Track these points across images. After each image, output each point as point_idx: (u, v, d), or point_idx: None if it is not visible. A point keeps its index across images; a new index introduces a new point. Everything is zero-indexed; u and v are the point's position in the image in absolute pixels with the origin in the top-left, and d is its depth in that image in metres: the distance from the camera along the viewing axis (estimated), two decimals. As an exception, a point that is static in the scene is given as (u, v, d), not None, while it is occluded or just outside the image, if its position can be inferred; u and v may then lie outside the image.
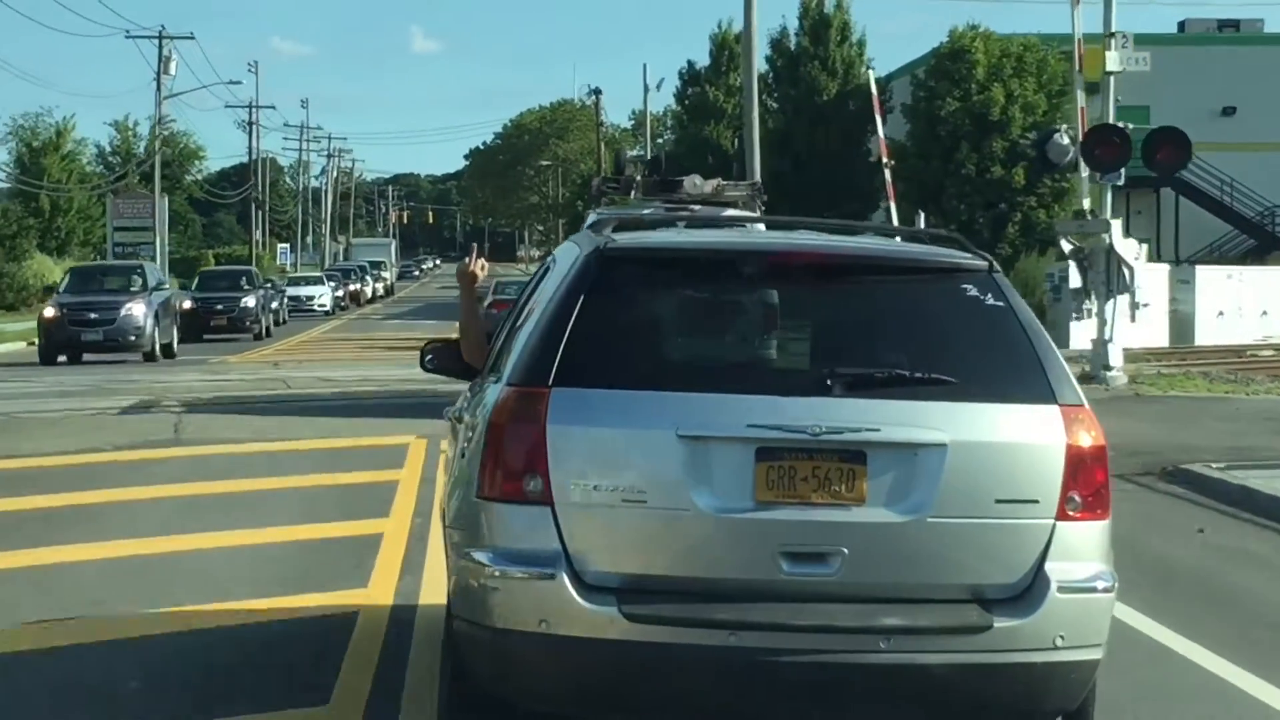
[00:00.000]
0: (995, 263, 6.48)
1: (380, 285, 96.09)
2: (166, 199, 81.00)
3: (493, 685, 6.01)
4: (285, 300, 63.37)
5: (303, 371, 32.24)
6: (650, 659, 5.73)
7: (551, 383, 5.92)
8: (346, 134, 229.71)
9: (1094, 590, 5.99)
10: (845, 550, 5.82)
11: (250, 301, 50.34)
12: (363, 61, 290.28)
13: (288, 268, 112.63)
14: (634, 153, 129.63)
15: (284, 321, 58.98)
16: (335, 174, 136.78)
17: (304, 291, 72.45)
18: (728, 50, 79.92)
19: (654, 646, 5.72)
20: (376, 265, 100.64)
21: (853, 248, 6.85)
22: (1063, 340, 36.45)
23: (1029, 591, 5.89)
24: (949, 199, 49.80)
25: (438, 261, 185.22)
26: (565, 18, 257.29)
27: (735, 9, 69.41)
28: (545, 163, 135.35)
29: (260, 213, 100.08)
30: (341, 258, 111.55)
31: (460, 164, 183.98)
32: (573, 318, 6.04)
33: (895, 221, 36.83)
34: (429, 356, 8.06)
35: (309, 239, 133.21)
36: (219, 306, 50.20)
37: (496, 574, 5.85)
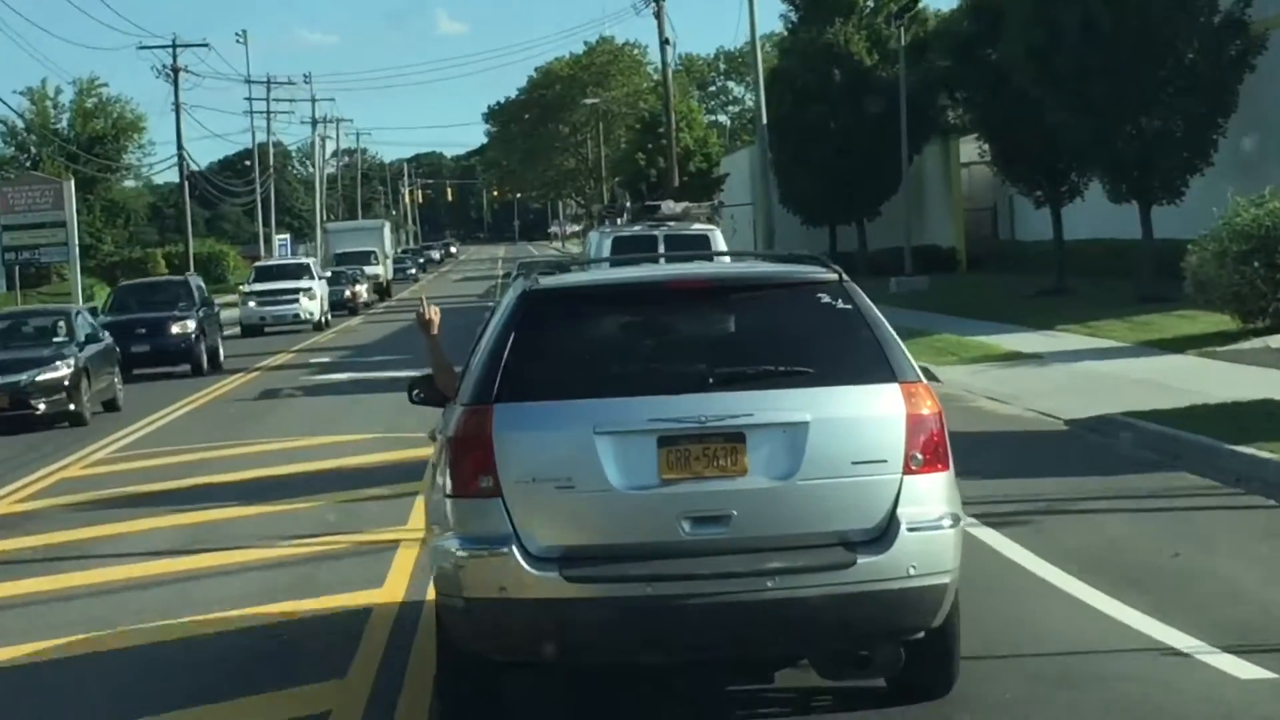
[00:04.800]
0: (844, 274, 7.95)
1: (362, 289, 64.85)
2: (72, 183, 54.57)
3: (470, 643, 7.54)
4: None
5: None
6: (587, 611, 7.24)
7: (495, 400, 7.46)
8: (368, 125, 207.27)
9: (939, 528, 7.42)
10: (734, 512, 7.33)
11: None
12: (384, 48, 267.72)
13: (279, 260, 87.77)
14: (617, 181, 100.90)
15: None
16: (319, 143, 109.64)
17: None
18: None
19: (589, 601, 7.23)
20: (362, 259, 71.58)
21: (725, 273, 9.06)
22: None
23: (885, 533, 7.35)
24: None
25: (451, 248, 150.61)
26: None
27: None
28: (591, 101, 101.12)
29: (190, 193, 72.51)
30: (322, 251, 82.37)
31: (485, 139, 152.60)
32: (508, 347, 7.64)
33: None
34: (415, 390, 8.95)
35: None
36: None
37: (463, 554, 7.34)
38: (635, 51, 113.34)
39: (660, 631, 7.24)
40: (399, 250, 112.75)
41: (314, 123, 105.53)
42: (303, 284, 50.92)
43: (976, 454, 14.18)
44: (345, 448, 19.46)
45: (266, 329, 49.41)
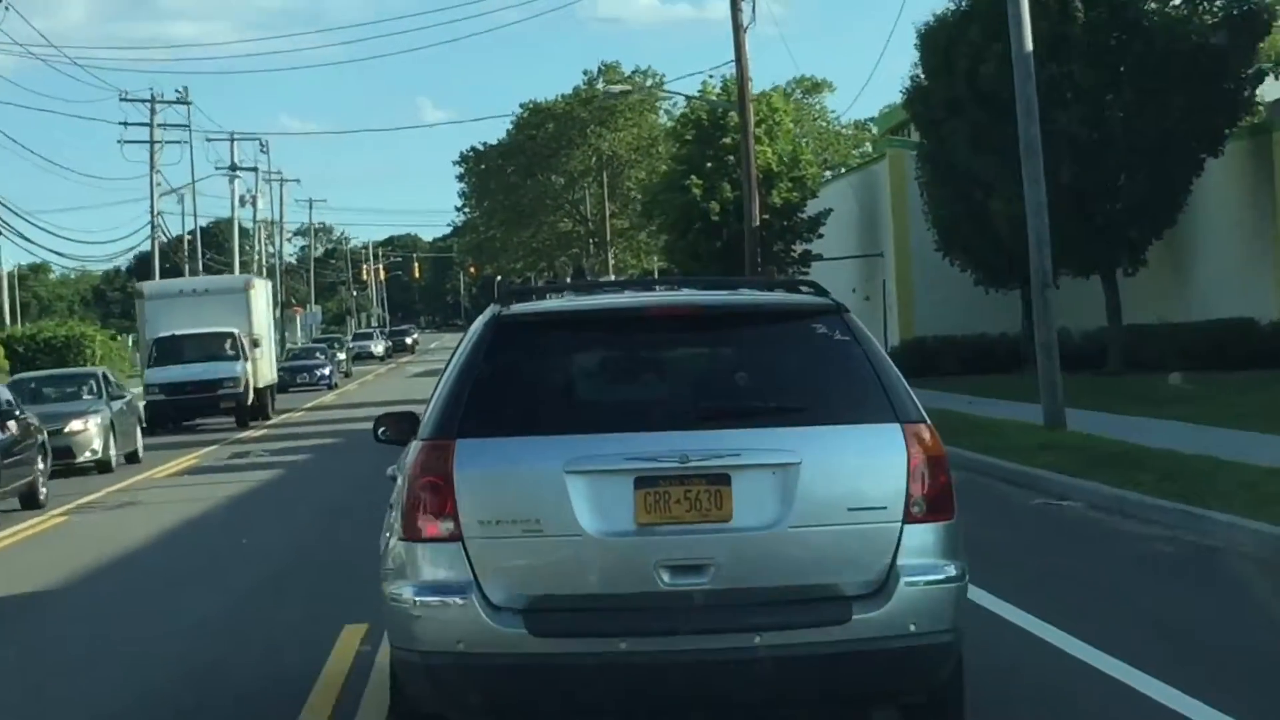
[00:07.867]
0: (844, 305, 7.31)
1: (92, 429, 27.02)
2: None
3: (425, 703, 6.94)
4: None
5: None
6: (555, 669, 6.64)
7: (458, 434, 6.83)
8: (343, 210, 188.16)
9: (942, 582, 6.80)
10: (718, 561, 6.67)
11: None
12: (368, 138, 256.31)
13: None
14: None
15: None
16: (235, 188, 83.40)
17: None
18: None
19: (557, 658, 6.62)
20: (205, 347, 38.38)
21: (711, 300, 7.80)
22: None
23: (883, 586, 6.71)
24: None
25: (407, 338, 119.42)
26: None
27: None
28: (620, 89, 72.09)
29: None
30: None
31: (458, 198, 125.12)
32: (474, 377, 7.03)
33: None
34: (382, 429, 8.29)
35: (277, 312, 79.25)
36: None
37: (418, 604, 6.74)
38: (648, 83, 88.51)
39: (635, 691, 6.79)
40: (314, 335, 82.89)
41: (233, 168, 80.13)
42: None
43: None
44: None
45: None
